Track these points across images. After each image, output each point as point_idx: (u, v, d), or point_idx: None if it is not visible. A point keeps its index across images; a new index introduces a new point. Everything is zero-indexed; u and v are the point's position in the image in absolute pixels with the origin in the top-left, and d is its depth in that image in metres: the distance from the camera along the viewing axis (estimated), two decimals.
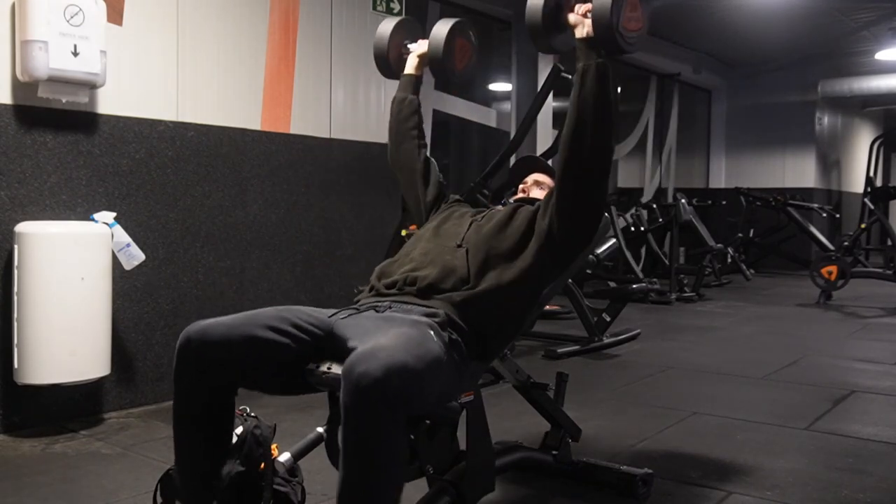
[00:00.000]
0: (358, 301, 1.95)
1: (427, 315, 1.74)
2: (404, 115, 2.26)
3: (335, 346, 1.70)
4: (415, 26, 2.35)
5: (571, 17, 1.88)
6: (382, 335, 1.54)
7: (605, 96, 1.79)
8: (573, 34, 1.88)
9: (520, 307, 1.93)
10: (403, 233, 4.30)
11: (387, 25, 2.33)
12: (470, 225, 2.01)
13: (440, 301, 1.81)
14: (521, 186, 2.33)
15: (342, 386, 1.39)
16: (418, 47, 2.29)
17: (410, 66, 2.29)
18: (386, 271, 2.00)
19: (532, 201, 2.19)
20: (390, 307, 1.81)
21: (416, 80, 2.29)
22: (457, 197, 2.31)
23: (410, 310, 1.79)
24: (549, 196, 1.94)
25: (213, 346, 1.62)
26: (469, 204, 2.31)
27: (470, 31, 2.28)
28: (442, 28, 2.19)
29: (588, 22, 1.84)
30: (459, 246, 1.93)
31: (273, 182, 3.80)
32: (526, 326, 2.10)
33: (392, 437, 1.40)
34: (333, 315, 1.77)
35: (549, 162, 2.81)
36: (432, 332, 1.63)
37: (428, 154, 2.29)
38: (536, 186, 2.30)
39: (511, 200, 2.28)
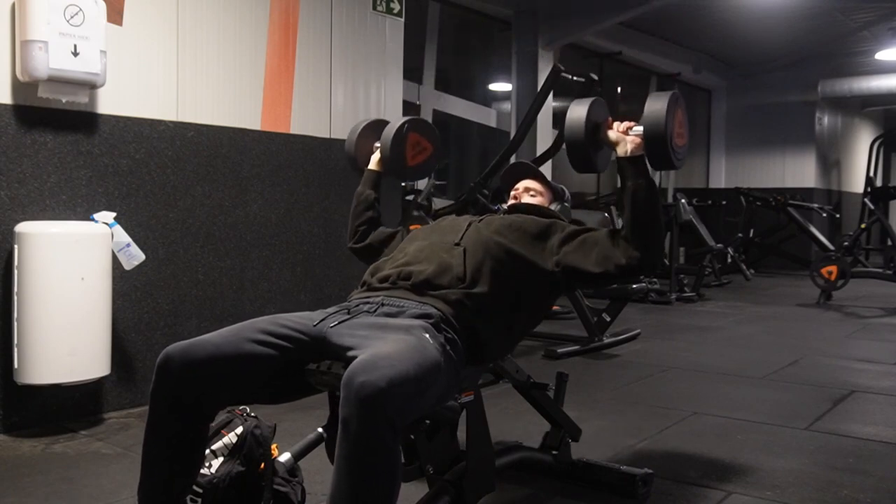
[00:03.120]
0: (349, 298, 1.94)
1: (420, 316, 1.73)
2: (359, 211, 2.40)
3: (328, 353, 1.68)
4: (383, 125, 2.47)
5: (612, 135, 1.92)
6: (381, 342, 1.54)
7: (658, 209, 1.86)
8: (614, 151, 1.92)
9: (516, 312, 1.92)
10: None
11: (357, 125, 2.51)
12: (469, 226, 2.01)
13: (435, 298, 1.80)
14: (512, 193, 2.34)
15: (342, 396, 1.37)
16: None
17: (373, 163, 2.43)
18: (379, 267, 2.00)
19: (526, 208, 2.19)
20: (382, 304, 1.80)
21: (377, 176, 2.42)
22: (443, 209, 2.35)
23: (403, 307, 1.77)
24: (579, 234, 1.95)
25: (198, 365, 1.59)
26: (468, 207, 2.34)
27: (425, 126, 2.43)
28: (392, 127, 2.35)
29: (630, 139, 1.88)
30: (457, 244, 1.93)
31: (273, 182, 3.80)
32: (523, 332, 2.10)
33: (391, 447, 1.39)
34: (323, 320, 1.74)
35: (550, 163, 2.81)
36: (428, 336, 1.62)
37: (375, 240, 2.37)
38: (527, 193, 2.31)
39: (505, 206, 2.29)
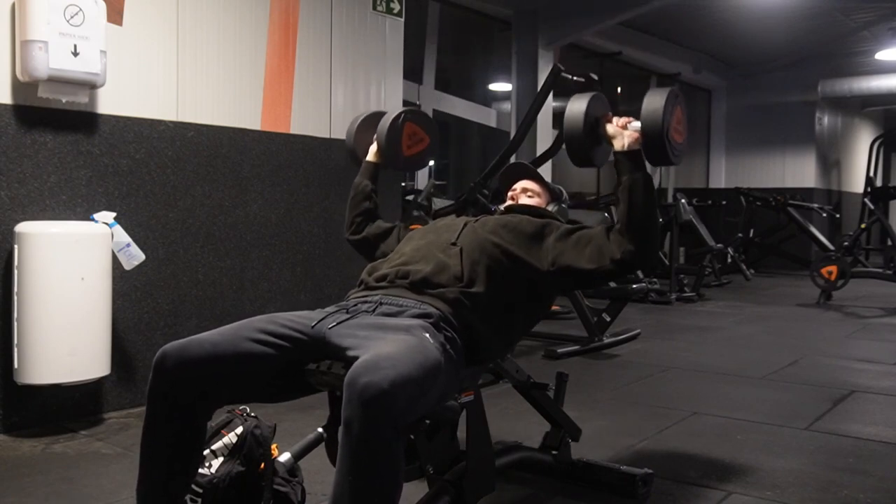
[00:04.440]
0: (347, 297, 1.94)
1: (420, 315, 1.73)
2: (356, 202, 2.41)
3: (328, 353, 1.68)
4: (381, 117, 2.48)
5: (610, 129, 1.92)
6: (382, 343, 1.54)
7: (654, 204, 1.85)
8: (611, 145, 1.92)
9: (514, 312, 1.92)
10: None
11: (357, 117, 2.53)
12: (465, 226, 2.01)
13: (433, 297, 1.80)
14: (509, 193, 2.34)
15: (344, 397, 1.37)
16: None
17: (371, 154, 2.44)
18: (377, 267, 2.00)
19: (522, 209, 2.19)
20: (381, 303, 1.80)
21: (375, 168, 2.43)
22: (443, 209, 2.35)
23: (402, 306, 1.77)
24: (574, 232, 1.94)
25: (195, 364, 1.58)
26: (468, 206, 2.35)
27: (421, 117, 2.44)
28: (389, 117, 2.37)
29: (627, 133, 1.88)
30: (454, 244, 1.93)
31: (273, 182, 3.80)
32: (522, 331, 2.11)
33: (393, 448, 1.39)
34: (322, 320, 1.73)
35: (550, 163, 2.82)
36: (428, 336, 1.62)
37: (373, 232, 2.38)
38: (524, 194, 2.31)
39: (502, 207, 2.29)
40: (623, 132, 1.89)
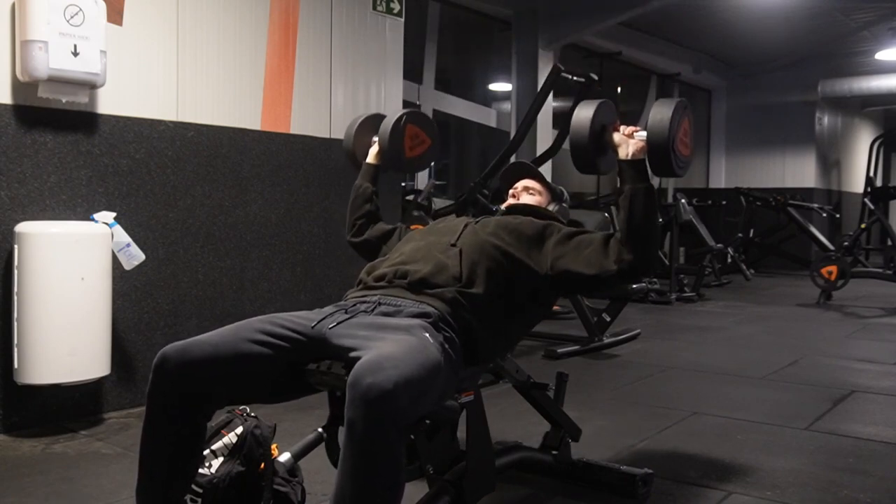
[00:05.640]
0: (346, 297, 1.94)
1: (419, 315, 1.73)
2: (357, 205, 2.41)
3: (328, 353, 1.68)
4: (380, 119, 2.47)
5: (616, 137, 1.91)
6: (383, 343, 1.54)
7: (654, 219, 1.85)
8: (616, 154, 1.91)
9: (513, 313, 1.92)
10: None
11: (355, 119, 2.52)
12: (465, 227, 2.01)
13: (431, 297, 1.80)
14: (510, 192, 2.34)
15: (348, 397, 1.37)
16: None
17: (371, 156, 2.44)
18: (375, 266, 2.00)
19: (523, 209, 2.19)
20: (379, 303, 1.80)
21: (375, 170, 2.43)
22: (443, 210, 2.34)
23: (400, 306, 1.77)
24: (574, 236, 1.94)
25: (195, 365, 1.59)
26: (468, 206, 2.34)
27: (423, 119, 2.44)
28: (390, 119, 2.35)
29: (633, 143, 1.87)
30: (453, 245, 1.93)
31: (273, 182, 3.80)
32: (522, 332, 2.10)
33: (396, 448, 1.39)
34: (321, 321, 1.73)
35: (550, 163, 2.82)
36: (428, 335, 1.63)
37: (374, 234, 2.38)
38: (526, 192, 2.31)
39: (502, 207, 2.29)
40: (629, 141, 1.89)
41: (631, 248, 1.82)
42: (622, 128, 1.93)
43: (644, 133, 1.87)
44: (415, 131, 2.38)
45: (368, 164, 2.43)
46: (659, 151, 1.83)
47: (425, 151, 2.43)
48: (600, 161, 1.97)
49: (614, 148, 1.92)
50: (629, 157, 1.87)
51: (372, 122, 2.47)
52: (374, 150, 2.43)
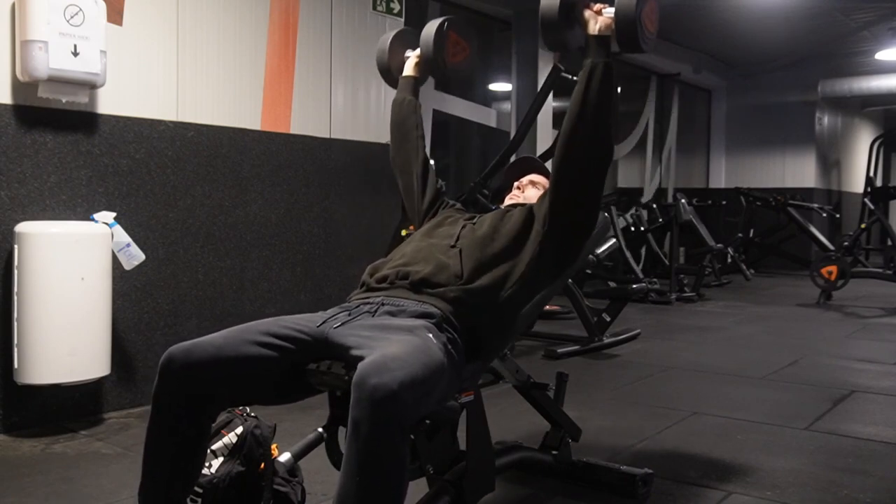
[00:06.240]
0: (349, 299, 1.94)
1: (421, 315, 1.74)
2: (403, 116, 2.31)
3: (331, 354, 1.69)
4: (414, 35, 2.42)
5: (586, 13, 1.91)
6: (387, 343, 1.54)
7: (609, 94, 1.83)
8: (585, 29, 1.90)
9: (515, 308, 1.93)
10: (403, 233, 4.30)
11: (387, 36, 2.44)
12: (463, 227, 2.02)
13: (433, 297, 1.80)
14: (515, 184, 2.33)
15: (353, 397, 1.37)
16: (416, 51, 2.37)
17: (409, 69, 2.36)
18: (377, 268, 2.00)
19: (524, 205, 2.19)
20: (382, 304, 1.80)
21: (415, 82, 2.35)
22: (455, 204, 2.32)
23: (403, 307, 1.77)
24: (544, 196, 1.95)
25: (200, 366, 1.59)
26: (468, 206, 2.33)
27: (463, 26, 2.35)
28: (432, 24, 2.28)
29: (602, 19, 1.87)
30: (453, 246, 1.94)
31: (273, 182, 3.80)
32: (521, 328, 2.10)
33: (400, 448, 1.39)
34: (325, 322, 1.74)
35: (549, 163, 2.82)
36: (431, 336, 1.63)
37: (427, 156, 2.32)
38: (531, 186, 2.30)
39: (502, 207, 2.29)
40: (598, 17, 1.89)
41: (580, 116, 1.82)
42: (592, 4, 1.92)
43: (612, 10, 1.88)
44: (455, 38, 2.32)
45: (406, 77, 2.36)
46: (626, 25, 1.83)
47: (465, 58, 2.36)
48: (568, 35, 1.96)
49: (584, 23, 1.91)
50: (596, 33, 1.87)
51: (402, 39, 2.42)
52: (411, 62, 2.36)
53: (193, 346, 1.61)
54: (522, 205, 2.20)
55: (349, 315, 1.76)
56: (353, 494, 1.37)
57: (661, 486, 2.37)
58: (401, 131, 2.31)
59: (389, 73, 2.42)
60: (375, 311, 1.78)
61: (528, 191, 2.29)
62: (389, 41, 2.41)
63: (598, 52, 1.85)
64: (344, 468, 1.39)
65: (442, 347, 1.62)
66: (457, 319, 1.77)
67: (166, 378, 1.59)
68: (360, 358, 1.46)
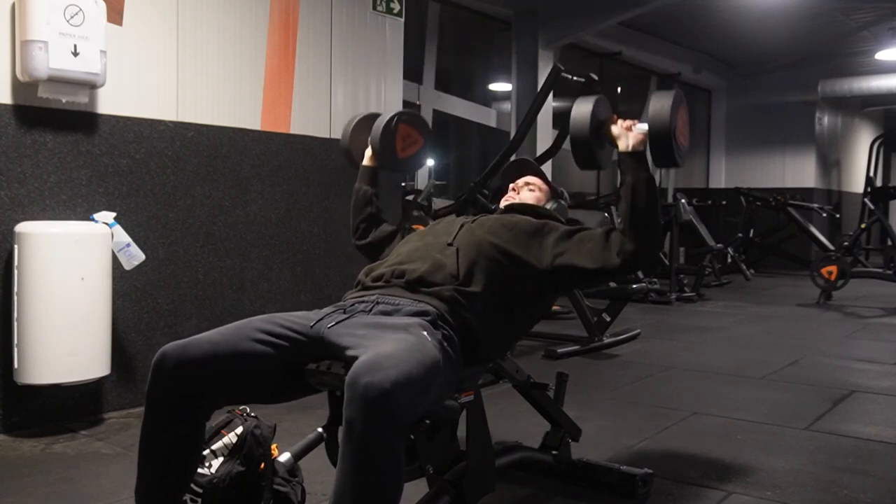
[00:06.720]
0: (345, 298, 1.94)
1: (417, 314, 1.73)
2: (358, 208, 2.41)
3: (327, 353, 1.68)
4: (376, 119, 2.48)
5: (615, 130, 1.94)
6: (381, 342, 1.54)
7: (656, 205, 1.86)
8: (616, 147, 1.94)
9: (510, 314, 1.92)
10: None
11: (353, 118, 2.52)
12: (461, 227, 2.02)
13: (429, 296, 1.80)
14: (510, 186, 2.34)
15: (346, 397, 1.37)
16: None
17: (367, 158, 2.43)
18: (374, 267, 2.01)
19: (521, 208, 2.19)
20: (377, 302, 1.80)
21: (372, 172, 2.42)
22: (443, 209, 2.34)
23: (398, 305, 1.77)
24: (561, 238, 1.94)
25: (195, 364, 1.58)
26: (468, 206, 2.34)
27: (416, 117, 2.44)
28: (382, 119, 2.35)
29: (632, 135, 1.90)
30: (450, 244, 1.94)
31: (273, 182, 3.80)
32: (521, 332, 2.10)
33: (395, 448, 1.39)
34: (320, 321, 1.73)
35: (550, 163, 2.82)
36: (426, 334, 1.62)
37: (389, 231, 2.39)
38: (527, 188, 2.31)
39: (501, 206, 2.29)
40: (628, 133, 1.91)
41: (633, 238, 1.83)
42: (619, 121, 1.95)
43: (642, 126, 1.91)
44: (407, 131, 2.37)
45: (366, 167, 2.42)
46: (661, 141, 1.87)
47: (418, 151, 2.43)
48: (600, 155, 1.99)
49: (613, 141, 1.94)
50: (630, 150, 1.89)
51: (368, 122, 2.46)
52: (369, 151, 2.42)
53: (188, 343, 1.61)
54: (523, 206, 2.21)
55: (344, 314, 1.76)
56: (349, 493, 1.37)
57: (661, 486, 2.37)
58: (356, 218, 2.41)
59: (351, 156, 2.50)
60: (370, 309, 1.78)
61: (523, 192, 2.30)
62: (354, 124, 2.48)
63: (636, 168, 1.87)
64: (339, 467, 1.39)
65: (437, 345, 1.62)
66: (452, 318, 1.77)
67: (160, 376, 1.59)
68: (356, 357, 1.47)
